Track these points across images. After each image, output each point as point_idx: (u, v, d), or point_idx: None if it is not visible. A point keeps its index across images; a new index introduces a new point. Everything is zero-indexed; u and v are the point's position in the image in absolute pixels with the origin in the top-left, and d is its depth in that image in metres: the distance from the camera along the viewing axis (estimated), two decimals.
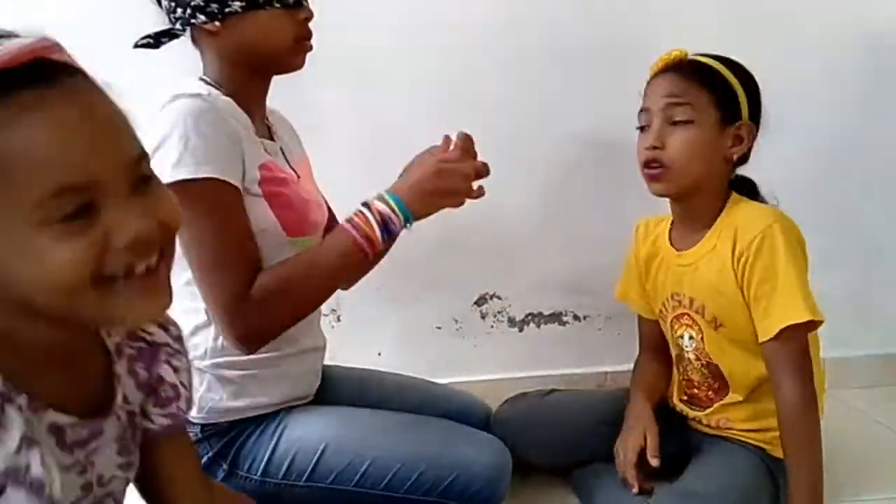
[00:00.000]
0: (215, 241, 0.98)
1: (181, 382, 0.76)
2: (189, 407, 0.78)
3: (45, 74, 0.51)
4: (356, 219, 1.00)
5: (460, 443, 1.13)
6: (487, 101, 1.57)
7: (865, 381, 1.77)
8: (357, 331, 1.64)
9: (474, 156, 1.08)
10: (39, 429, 0.58)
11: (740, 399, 1.21)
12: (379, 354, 1.66)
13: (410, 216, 1.01)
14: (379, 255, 1.15)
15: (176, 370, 0.75)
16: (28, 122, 0.50)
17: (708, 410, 1.25)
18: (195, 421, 1.07)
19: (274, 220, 1.05)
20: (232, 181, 0.99)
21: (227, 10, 1.02)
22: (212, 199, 0.97)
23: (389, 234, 1.01)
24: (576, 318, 1.73)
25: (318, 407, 1.18)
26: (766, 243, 1.08)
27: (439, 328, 1.69)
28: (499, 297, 1.70)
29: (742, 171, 1.22)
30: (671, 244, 1.26)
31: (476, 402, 1.38)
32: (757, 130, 1.17)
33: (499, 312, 1.71)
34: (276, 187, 1.07)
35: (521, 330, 1.72)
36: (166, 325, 0.76)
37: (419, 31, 1.54)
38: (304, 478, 1.06)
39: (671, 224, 1.28)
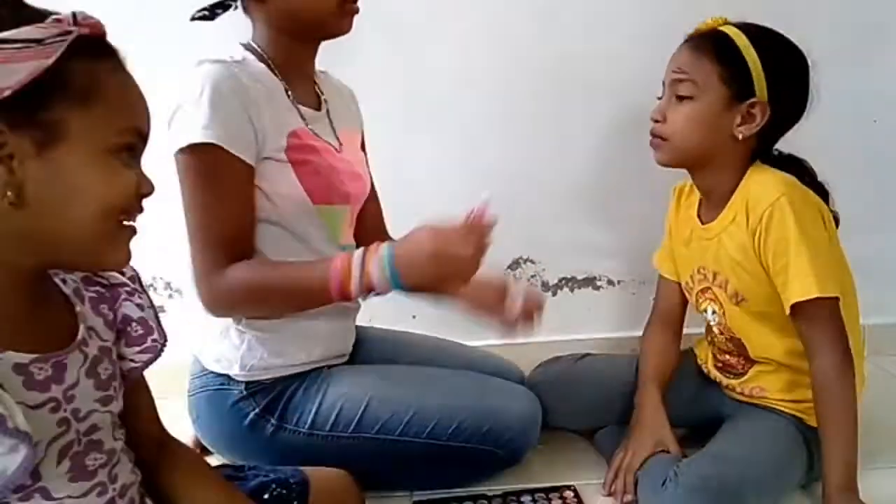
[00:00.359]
0: (204, 210, 1.00)
1: (149, 317, 0.77)
2: (165, 336, 0.79)
3: (110, 47, 0.65)
4: (342, 271, 0.97)
5: (496, 393, 1.17)
6: (525, 75, 1.56)
7: None
8: (392, 294, 1.65)
9: (481, 232, 0.96)
10: (5, 371, 0.61)
11: (772, 369, 1.21)
12: (413, 317, 1.67)
13: (403, 287, 0.97)
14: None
15: (140, 307, 0.77)
16: (120, 76, 0.65)
17: (742, 378, 1.24)
18: (239, 379, 1.10)
19: (298, 186, 1.07)
20: (235, 151, 1.00)
21: None
22: (210, 165, 0.99)
23: (371, 294, 0.99)
24: (610, 282, 1.72)
25: (358, 365, 1.21)
26: (775, 217, 1.06)
27: None
28: (532, 262, 1.70)
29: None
30: (699, 216, 1.24)
31: (510, 366, 1.40)
32: (793, 110, 1.13)
33: (532, 276, 1.72)
34: (305, 155, 1.08)
35: (554, 294, 1.73)
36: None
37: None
38: (351, 428, 1.10)
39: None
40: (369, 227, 1.28)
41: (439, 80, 1.56)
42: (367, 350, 1.28)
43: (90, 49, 0.61)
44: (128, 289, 0.76)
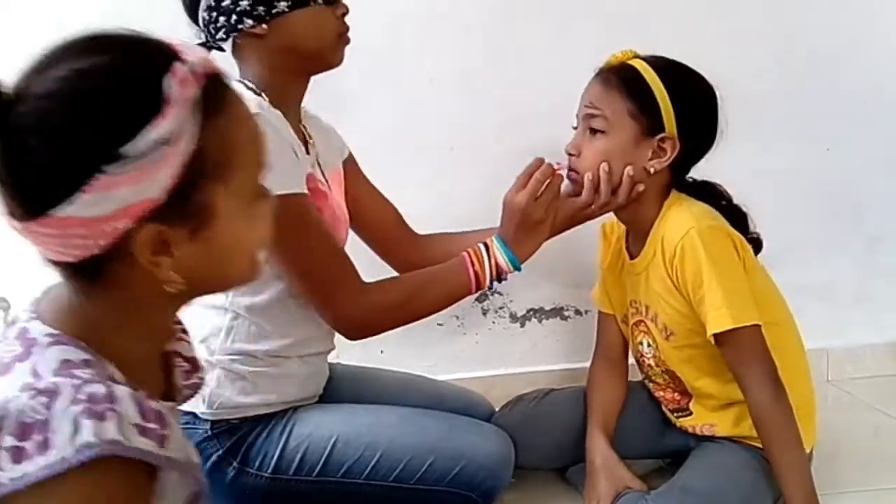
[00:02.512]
0: (312, 253, 1.02)
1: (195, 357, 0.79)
2: (204, 376, 0.81)
3: (221, 83, 0.59)
4: (476, 261, 1.08)
5: (466, 432, 1.15)
6: (495, 95, 1.59)
7: (870, 370, 1.77)
8: None
9: (546, 184, 1.08)
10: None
11: (715, 405, 1.21)
12: (381, 352, 1.65)
13: (518, 265, 1.10)
14: None
15: (190, 344, 0.78)
16: (239, 123, 0.60)
17: (691, 417, 1.25)
18: (205, 417, 1.08)
19: None
20: (304, 191, 1.02)
21: (273, 10, 1.03)
22: (295, 213, 0.99)
23: (499, 282, 1.11)
24: (577, 312, 1.73)
25: (325, 404, 1.19)
26: (687, 252, 1.08)
27: (441, 325, 1.69)
28: (500, 293, 1.71)
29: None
30: (628, 250, 1.25)
31: (480, 400, 1.39)
32: (703, 142, 1.15)
33: (500, 308, 1.72)
34: (317, 200, 1.08)
35: (522, 325, 1.73)
36: None
37: None
38: (316, 472, 1.07)
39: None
40: (397, 228, 1.34)
41: (402, 115, 1.57)
42: (335, 387, 1.26)
43: (210, 102, 0.56)
44: (182, 327, 0.76)
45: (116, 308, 0.60)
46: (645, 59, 1.14)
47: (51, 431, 0.51)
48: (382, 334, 1.13)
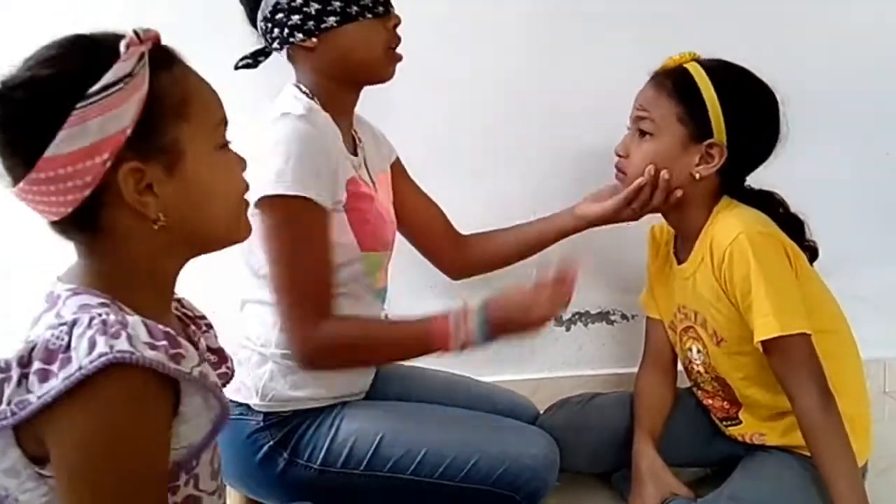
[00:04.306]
0: (293, 262, 1.03)
1: (223, 348, 0.83)
2: (233, 368, 0.84)
3: (170, 51, 0.69)
4: (441, 333, 1.02)
5: (512, 434, 1.16)
6: (529, 97, 1.58)
7: None
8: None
9: (563, 289, 1.04)
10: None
11: (765, 415, 1.19)
12: None
13: (489, 339, 1.05)
14: None
15: (216, 338, 0.82)
16: (191, 78, 0.70)
17: (740, 426, 1.23)
18: (258, 409, 1.11)
19: (351, 236, 1.10)
20: (322, 203, 1.03)
21: (322, 25, 1.06)
22: (298, 217, 1.02)
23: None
24: (623, 317, 1.72)
25: (372, 401, 1.21)
26: (735, 256, 1.06)
27: None
28: None
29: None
30: (676, 255, 1.24)
31: (524, 402, 1.39)
32: (757, 150, 1.13)
33: None
34: (358, 203, 1.11)
35: (568, 329, 1.72)
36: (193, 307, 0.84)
37: None
38: (363, 466, 1.09)
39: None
40: (442, 230, 1.35)
41: (443, 118, 1.58)
42: (381, 385, 1.28)
43: (160, 61, 0.66)
44: (206, 322, 0.82)
45: (121, 259, 0.68)
46: (703, 62, 1.12)
47: (72, 351, 0.59)
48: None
